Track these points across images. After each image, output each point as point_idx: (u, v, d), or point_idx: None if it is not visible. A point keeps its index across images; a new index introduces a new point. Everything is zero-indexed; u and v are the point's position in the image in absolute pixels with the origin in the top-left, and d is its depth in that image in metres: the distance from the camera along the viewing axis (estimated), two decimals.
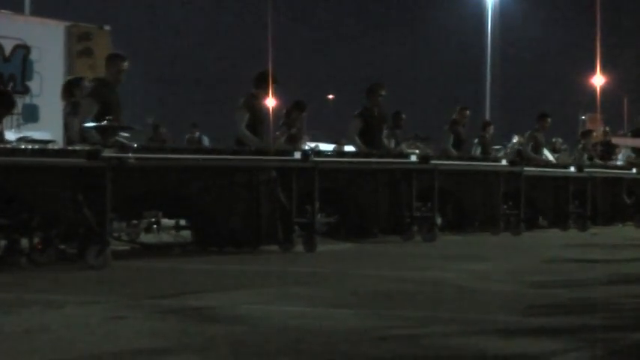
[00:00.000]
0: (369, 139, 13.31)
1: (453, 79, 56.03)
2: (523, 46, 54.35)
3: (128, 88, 11.53)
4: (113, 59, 10.59)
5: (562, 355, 4.72)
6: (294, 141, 14.07)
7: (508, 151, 17.79)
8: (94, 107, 10.10)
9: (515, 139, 19.34)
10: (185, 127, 24.86)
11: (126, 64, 10.46)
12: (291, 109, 14.76)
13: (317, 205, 10.92)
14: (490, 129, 18.03)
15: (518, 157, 16.15)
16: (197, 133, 23.04)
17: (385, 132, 14.71)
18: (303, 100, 15.10)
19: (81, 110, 10.43)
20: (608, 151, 20.18)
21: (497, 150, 17.97)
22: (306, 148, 13.68)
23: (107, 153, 9.05)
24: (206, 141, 22.73)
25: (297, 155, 10.76)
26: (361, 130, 13.31)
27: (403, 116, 16.10)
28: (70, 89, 11.58)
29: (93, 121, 9.87)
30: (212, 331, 5.36)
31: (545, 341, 5.08)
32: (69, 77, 12.75)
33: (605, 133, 22.17)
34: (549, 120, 17.17)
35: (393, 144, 15.19)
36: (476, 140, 17.54)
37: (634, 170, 17.60)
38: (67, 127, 11.36)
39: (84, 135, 10.04)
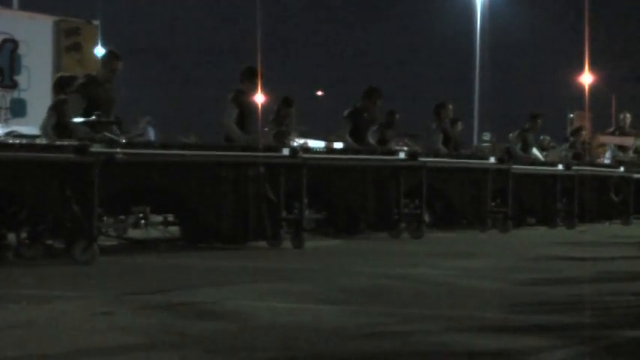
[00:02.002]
0: (356, 139, 13.39)
1: (442, 77, 56.06)
2: (512, 44, 54.43)
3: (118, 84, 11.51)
4: (110, 58, 10.61)
5: (549, 352, 4.73)
6: (283, 138, 14.04)
7: (479, 145, 17.77)
8: (82, 103, 10.07)
9: (486, 137, 19.33)
10: (170, 127, 24.54)
11: (121, 64, 10.51)
12: (280, 105, 14.76)
13: (305, 201, 10.92)
14: (458, 125, 18.04)
15: (507, 155, 16.16)
16: (144, 123, 22.10)
17: (374, 128, 14.74)
18: (290, 96, 15.07)
19: (69, 106, 10.41)
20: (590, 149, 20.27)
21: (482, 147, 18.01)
22: (295, 144, 13.67)
23: (95, 148, 9.03)
24: (152, 133, 21.99)
25: (286, 152, 10.75)
26: (350, 130, 13.42)
27: (397, 116, 16.06)
28: (60, 85, 11.54)
29: (81, 117, 9.85)
30: (199, 327, 5.35)
31: (532, 338, 5.08)
32: (61, 74, 12.69)
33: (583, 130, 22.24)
34: (539, 121, 17.24)
35: (376, 140, 15.15)
36: None
37: (621, 168, 17.66)
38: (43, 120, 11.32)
39: (74, 130, 10.03)
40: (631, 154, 19.25)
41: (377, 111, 13.99)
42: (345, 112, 13.69)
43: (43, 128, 11.05)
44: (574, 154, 19.12)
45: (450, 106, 15.97)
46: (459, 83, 45.95)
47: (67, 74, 12.50)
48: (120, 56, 10.59)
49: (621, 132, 19.99)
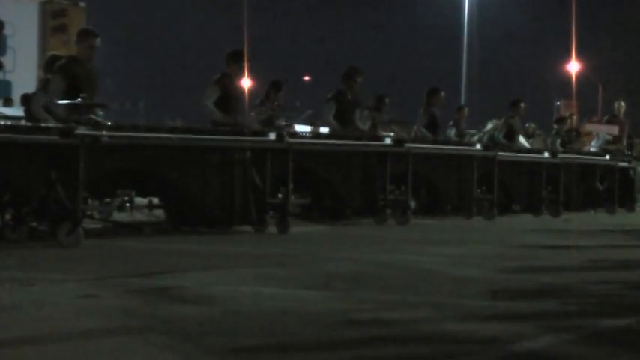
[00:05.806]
0: (342, 121, 13.38)
1: (430, 63, 56.03)
2: (499, 31, 54.45)
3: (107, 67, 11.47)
4: (84, 35, 10.49)
5: (533, 340, 4.74)
6: (272, 123, 14.02)
7: (482, 135, 17.79)
8: (62, 84, 9.98)
9: (489, 126, 19.26)
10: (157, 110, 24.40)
11: (98, 40, 10.36)
12: (269, 89, 14.73)
13: (291, 186, 10.91)
14: (464, 112, 18.08)
15: (492, 143, 16.17)
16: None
17: (365, 112, 14.72)
18: (279, 79, 15.05)
19: (50, 87, 10.32)
20: (577, 137, 20.30)
21: (472, 134, 17.97)
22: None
23: (80, 130, 8.99)
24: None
25: (272, 136, 10.73)
26: (335, 112, 13.39)
27: (387, 100, 16.07)
28: (51, 64, 11.44)
29: (62, 98, 9.76)
30: (183, 311, 5.35)
31: (516, 326, 5.09)
32: (54, 52, 12.60)
33: (570, 119, 22.21)
34: (522, 105, 17.13)
35: (368, 125, 15.13)
36: (450, 123, 17.67)
37: (607, 157, 17.70)
38: (32, 101, 11.23)
39: (50, 111, 9.94)
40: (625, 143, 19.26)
41: (359, 90, 13.95)
42: (329, 95, 13.67)
43: (38, 110, 10.94)
44: (560, 142, 19.14)
45: (442, 93, 15.93)
46: (445, 72, 45.91)
47: (59, 53, 12.41)
48: (96, 33, 10.46)
49: (613, 121, 19.91)
